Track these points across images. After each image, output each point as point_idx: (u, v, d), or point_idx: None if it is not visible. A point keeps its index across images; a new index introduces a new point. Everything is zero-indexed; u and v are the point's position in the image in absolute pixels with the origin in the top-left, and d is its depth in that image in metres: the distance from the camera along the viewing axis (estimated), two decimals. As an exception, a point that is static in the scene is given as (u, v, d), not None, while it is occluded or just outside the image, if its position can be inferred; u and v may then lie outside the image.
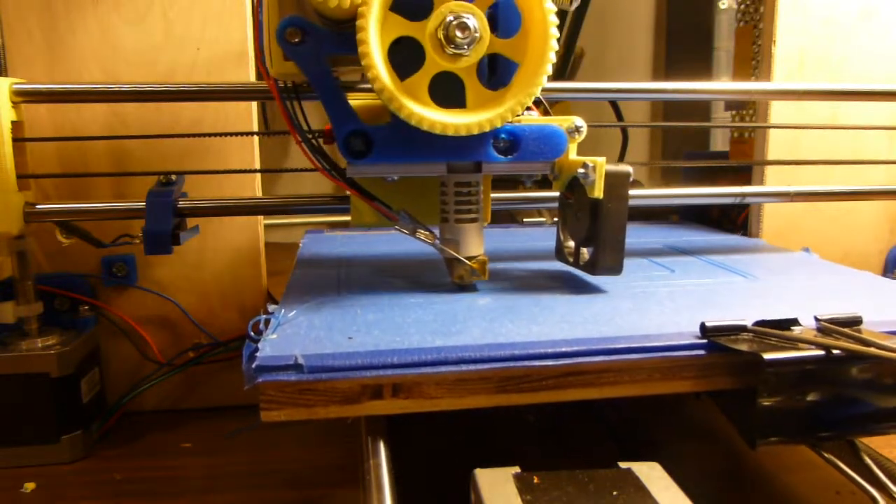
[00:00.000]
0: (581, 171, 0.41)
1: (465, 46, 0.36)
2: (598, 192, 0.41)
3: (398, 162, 0.40)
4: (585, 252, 0.45)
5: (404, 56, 0.37)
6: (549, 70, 0.37)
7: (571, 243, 0.47)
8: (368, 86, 0.44)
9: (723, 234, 0.69)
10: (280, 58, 0.39)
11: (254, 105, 0.56)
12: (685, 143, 1.22)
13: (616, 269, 0.43)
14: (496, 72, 0.40)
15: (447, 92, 0.38)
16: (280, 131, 0.49)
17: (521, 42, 0.38)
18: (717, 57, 1.06)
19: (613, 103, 0.75)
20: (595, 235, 0.42)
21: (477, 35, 0.36)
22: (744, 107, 0.75)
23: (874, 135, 0.67)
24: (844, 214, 0.68)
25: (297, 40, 0.37)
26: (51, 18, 0.52)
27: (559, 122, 0.41)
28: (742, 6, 0.76)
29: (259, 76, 0.58)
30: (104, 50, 0.53)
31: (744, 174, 0.68)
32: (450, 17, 0.35)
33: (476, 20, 0.36)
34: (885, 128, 0.66)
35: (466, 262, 0.43)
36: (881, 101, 0.62)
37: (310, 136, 0.42)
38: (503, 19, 0.39)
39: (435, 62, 0.37)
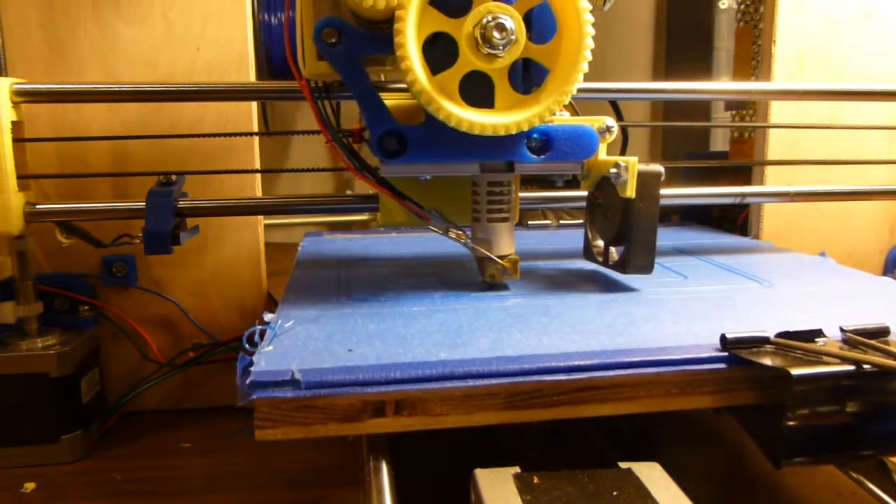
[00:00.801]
0: (613, 170, 0.41)
1: (501, 47, 0.36)
2: (631, 191, 0.41)
3: (432, 161, 0.40)
4: (614, 251, 0.45)
5: (438, 56, 0.37)
6: (586, 68, 0.37)
7: (600, 242, 0.47)
8: (401, 85, 0.45)
9: (729, 235, 0.68)
10: (313, 58, 0.39)
11: (254, 105, 0.56)
12: (685, 143, 1.22)
13: (647, 268, 0.43)
14: (530, 71, 0.40)
15: (476, 92, 0.38)
16: (280, 131, 0.49)
17: (554, 48, 0.38)
18: (717, 57, 1.06)
19: (613, 103, 0.74)
20: (626, 235, 0.43)
21: (513, 37, 0.36)
22: (744, 107, 0.75)
23: (874, 135, 0.67)
24: (844, 214, 0.68)
25: (333, 40, 0.37)
26: (51, 18, 0.52)
27: (590, 122, 0.42)
28: (742, 6, 0.76)
29: (260, 76, 0.58)
30: (104, 50, 0.53)
31: (744, 174, 0.68)
32: (488, 17, 0.36)
33: (514, 22, 0.36)
34: (885, 128, 0.66)
35: (498, 261, 0.44)
36: (881, 101, 0.62)
37: (340, 135, 0.42)
38: (538, 24, 0.39)
39: (468, 60, 0.37)
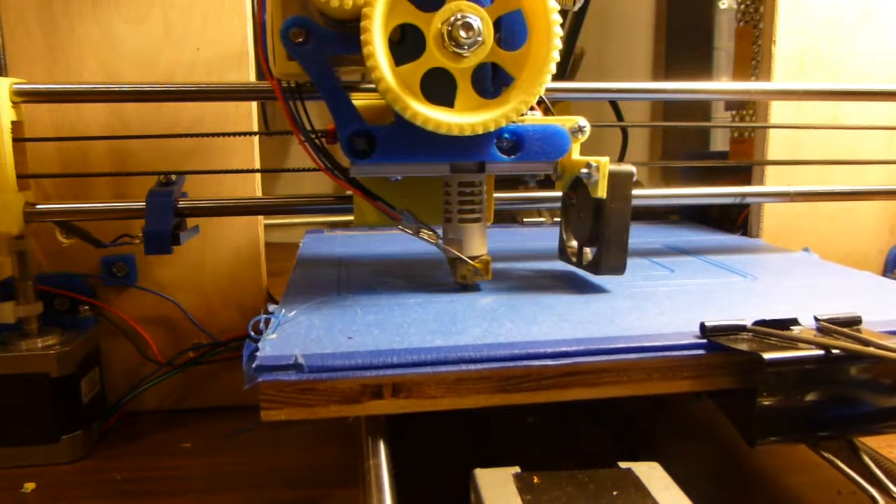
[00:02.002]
0: (584, 170, 0.41)
1: (466, 47, 0.36)
2: (602, 191, 0.41)
3: (402, 162, 0.40)
4: (588, 252, 0.45)
5: (403, 55, 0.37)
6: (553, 70, 0.37)
7: (574, 243, 0.47)
8: (370, 86, 0.45)
9: (723, 234, 0.69)
10: (283, 58, 0.39)
11: (254, 105, 0.56)
12: (685, 143, 1.22)
13: (620, 268, 0.43)
14: (499, 72, 0.40)
15: (440, 91, 0.38)
16: (280, 131, 0.49)
17: (522, 56, 0.38)
18: (717, 57, 1.06)
19: (613, 103, 0.75)
20: (598, 235, 0.43)
21: (480, 39, 0.36)
22: (744, 107, 0.75)
23: (874, 135, 0.67)
24: (844, 214, 0.68)
25: (300, 40, 0.37)
26: (51, 18, 0.52)
27: (562, 122, 0.41)
28: (742, 6, 0.76)
29: (259, 76, 0.58)
30: (104, 50, 0.53)
31: (744, 174, 0.68)
32: (458, 15, 0.35)
33: (482, 24, 0.36)
34: (885, 128, 0.66)
35: (469, 261, 0.44)
36: (881, 101, 0.62)
37: (313, 136, 0.42)
38: (508, 31, 0.39)
39: (433, 56, 0.36)
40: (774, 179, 0.65)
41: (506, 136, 0.40)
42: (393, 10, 0.36)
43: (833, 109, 0.66)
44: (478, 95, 0.38)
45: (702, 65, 1.09)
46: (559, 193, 0.48)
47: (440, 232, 0.44)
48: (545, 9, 0.37)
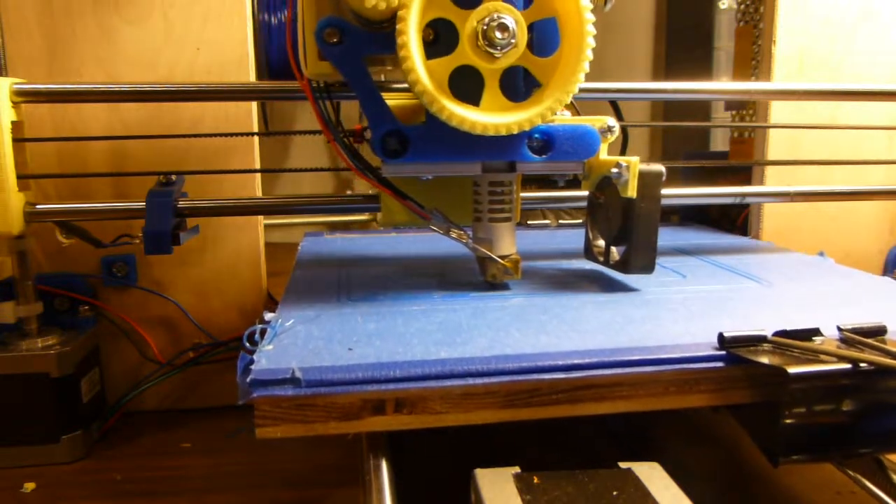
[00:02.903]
0: (615, 170, 0.41)
1: (499, 48, 0.36)
2: (632, 191, 0.41)
3: (434, 161, 0.40)
4: (615, 251, 0.45)
5: (436, 54, 0.37)
6: (587, 69, 0.37)
7: (601, 242, 0.47)
8: (400, 85, 0.45)
9: (729, 235, 0.68)
10: (315, 58, 0.39)
11: (254, 105, 0.56)
12: (685, 143, 1.22)
13: (649, 268, 0.43)
14: (527, 76, 0.40)
15: (467, 88, 0.38)
16: (280, 131, 0.49)
17: (552, 63, 0.38)
18: (717, 57, 1.06)
19: (613, 103, 0.75)
20: (628, 235, 0.43)
21: (514, 41, 0.36)
22: (744, 107, 0.75)
23: (874, 135, 0.67)
24: (844, 214, 0.68)
25: (335, 40, 0.37)
26: (51, 18, 0.52)
27: (591, 122, 0.42)
28: (742, 6, 0.76)
29: (260, 76, 0.58)
30: (104, 50, 0.53)
31: (744, 174, 0.68)
32: (494, 15, 0.36)
33: (517, 26, 0.36)
34: (885, 128, 0.66)
35: (500, 260, 0.44)
36: (881, 101, 0.62)
37: (342, 135, 0.42)
38: (540, 37, 0.39)
39: (465, 53, 0.37)
40: (774, 179, 0.65)
41: (536, 136, 0.41)
42: (429, 5, 0.36)
43: (833, 109, 0.66)
44: (504, 97, 0.38)
45: (702, 65, 1.09)
46: (561, 194, 0.48)
47: (467, 231, 0.44)
48: (578, 7, 0.37)
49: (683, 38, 1.24)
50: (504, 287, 0.46)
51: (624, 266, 0.44)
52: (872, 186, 0.63)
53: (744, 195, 0.59)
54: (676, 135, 1.25)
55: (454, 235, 0.43)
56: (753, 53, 0.72)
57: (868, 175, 0.67)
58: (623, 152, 0.76)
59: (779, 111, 0.65)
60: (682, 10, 1.25)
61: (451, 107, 0.36)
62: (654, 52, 1.33)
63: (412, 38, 0.35)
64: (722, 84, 0.72)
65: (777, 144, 0.65)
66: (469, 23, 0.36)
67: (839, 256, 0.57)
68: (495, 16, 0.36)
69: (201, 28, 0.54)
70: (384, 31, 0.37)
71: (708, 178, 0.73)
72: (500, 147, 0.40)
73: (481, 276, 0.46)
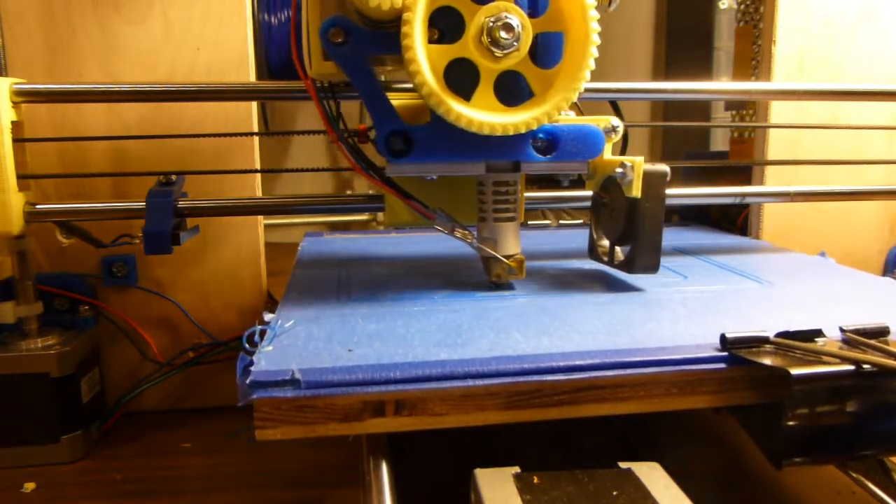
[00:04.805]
0: (619, 170, 0.41)
1: (502, 48, 0.36)
2: (636, 191, 0.41)
3: (438, 161, 0.40)
4: (620, 251, 0.45)
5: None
6: (593, 66, 0.38)
7: (605, 242, 0.47)
8: (404, 85, 0.45)
9: (729, 235, 0.68)
10: (319, 58, 0.39)
11: (254, 105, 0.56)
12: (685, 143, 1.22)
13: (653, 267, 0.43)
14: (523, 83, 0.40)
15: (463, 82, 0.38)
16: (280, 132, 0.49)
17: (551, 77, 0.38)
18: (717, 57, 1.06)
19: (613, 103, 0.75)
20: (632, 235, 0.43)
21: (516, 45, 0.36)
22: (744, 107, 0.75)
23: (874, 135, 0.67)
24: (844, 214, 0.68)
25: (339, 40, 0.37)
26: (51, 18, 0.52)
27: (596, 121, 0.42)
28: (742, 6, 0.76)
29: (260, 76, 0.58)
30: (104, 50, 0.53)
31: (744, 174, 0.68)
32: (504, 14, 0.36)
33: (523, 31, 0.36)
34: (885, 128, 0.66)
35: (504, 260, 0.44)
36: (881, 101, 0.62)
37: (346, 135, 0.42)
38: (543, 48, 0.39)
39: (467, 46, 0.36)
40: (774, 179, 0.65)
41: (541, 135, 0.41)
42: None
43: (833, 109, 0.66)
44: (495, 98, 0.38)
45: (702, 65, 1.09)
46: (561, 194, 0.48)
47: (471, 230, 0.44)
48: (583, 5, 0.37)
49: (683, 38, 1.24)
50: (507, 287, 0.46)
51: (628, 266, 0.44)
52: (872, 186, 0.63)
53: (744, 195, 0.59)
54: (676, 135, 1.25)
55: (458, 235, 0.43)
56: (753, 53, 0.72)
57: (868, 175, 0.67)
58: (623, 152, 0.76)
59: (779, 111, 0.65)
60: (682, 10, 1.25)
61: (458, 108, 0.36)
62: (654, 52, 1.33)
63: (418, 39, 0.35)
64: (722, 84, 0.72)
65: (777, 144, 0.65)
66: (478, 17, 0.36)
67: (839, 256, 0.57)
68: (504, 15, 0.36)
69: (201, 28, 0.54)
70: (389, 32, 0.37)
71: (708, 178, 0.73)
72: (504, 147, 0.40)
73: (484, 276, 0.46)
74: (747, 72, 0.73)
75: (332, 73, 0.39)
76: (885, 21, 0.66)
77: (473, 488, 0.27)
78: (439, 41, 0.38)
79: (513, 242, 0.44)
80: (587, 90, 0.53)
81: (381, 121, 0.39)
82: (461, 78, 0.38)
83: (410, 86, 0.38)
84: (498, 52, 0.36)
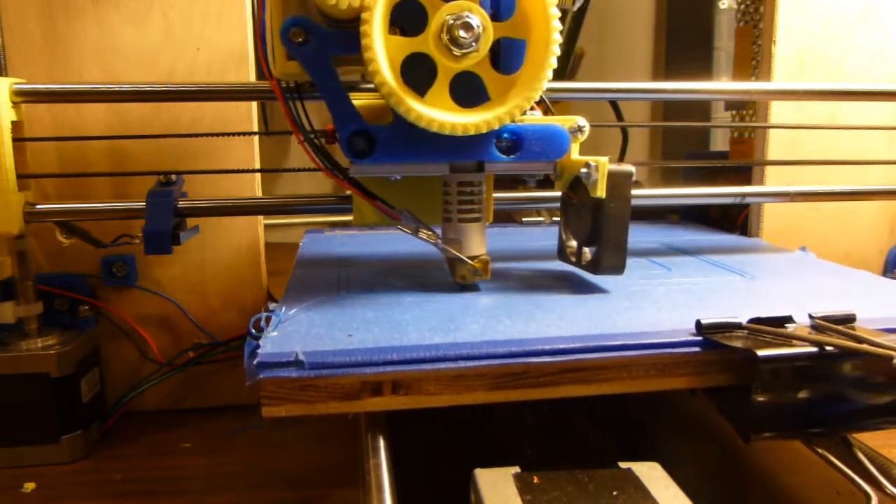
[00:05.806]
0: (584, 170, 0.41)
1: (460, 47, 0.36)
2: (601, 191, 0.41)
3: (401, 161, 0.40)
4: (588, 252, 0.45)
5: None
6: (554, 64, 0.37)
7: (574, 243, 0.47)
8: (369, 85, 0.44)
9: (722, 233, 0.69)
10: (283, 58, 0.39)
11: (254, 105, 0.56)
12: (685, 143, 1.22)
13: (619, 268, 0.43)
14: (481, 86, 0.39)
15: (419, 78, 0.37)
16: (280, 131, 0.49)
17: (507, 82, 0.38)
18: (717, 57, 1.06)
19: (613, 103, 0.75)
20: (598, 235, 0.42)
21: (475, 46, 0.36)
22: (744, 107, 0.75)
23: (874, 135, 0.67)
24: (844, 214, 0.68)
25: (300, 40, 0.37)
26: (51, 18, 0.52)
27: (561, 121, 0.41)
28: (742, 6, 0.76)
29: (259, 76, 0.58)
30: (104, 50, 0.53)
31: (744, 174, 0.68)
32: (466, 13, 0.35)
33: (483, 32, 0.36)
34: (885, 128, 0.66)
35: (469, 261, 0.43)
36: (881, 101, 0.62)
37: (312, 136, 0.42)
38: (504, 54, 0.39)
39: (426, 42, 0.36)
40: (774, 179, 0.65)
41: (505, 135, 0.40)
42: None
43: (833, 109, 0.66)
44: (450, 98, 0.38)
45: (702, 65, 1.09)
46: (559, 193, 0.48)
47: (439, 231, 0.44)
48: (546, 12, 0.37)
49: (683, 38, 1.24)
50: (497, 280, 0.46)
51: (594, 266, 0.44)
52: (872, 186, 0.63)
53: (744, 195, 0.59)
54: (676, 135, 1.25)
55: (423, 236, 0.43)
56: (753, 53, 0.72)
57: (868, 175, 0.67)
58: (623, 153, 0.76)
59: (779, 111, 0.65)
60: (682, 10, 1.25)
61: (418, 108, 0.36)
62: (654, 52, 1.33)
63: (377, 38, 0.35)
64: (722, 84, 0.72)
65: (777, 144, 0.65)
66: (440, 13, 0.36)
67: (839, 256, 0.57)
68: (465, 14, 0.35)
69: (201, 28, 0.54)
70: (350, 31, 0.37)
71: (708, 178, 0.73)
72: (467, 147, 0.40)
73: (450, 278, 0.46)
74: (747, 72, 0.73)
75: (296, 72, 0.39)
76: (885, 21, 0.66)
77: (473, 488, 0.27)
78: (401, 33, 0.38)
79: (478, 243, 0.44)
80: (588, 90, 0.53)
81: (342, 121, 0.39)
82: (423, 78, 0.37)
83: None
84: (456, 51, 0.36)
